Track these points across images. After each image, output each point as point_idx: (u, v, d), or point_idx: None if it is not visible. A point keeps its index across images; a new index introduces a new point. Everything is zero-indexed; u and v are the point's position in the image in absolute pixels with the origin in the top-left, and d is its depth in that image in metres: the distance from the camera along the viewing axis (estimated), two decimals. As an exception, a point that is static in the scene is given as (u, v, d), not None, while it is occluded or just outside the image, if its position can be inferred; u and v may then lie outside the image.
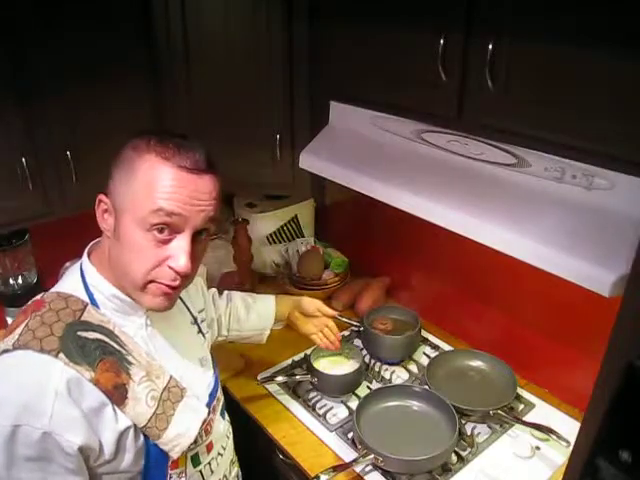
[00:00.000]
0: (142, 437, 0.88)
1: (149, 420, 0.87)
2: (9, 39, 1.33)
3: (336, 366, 1.60)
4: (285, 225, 2.12)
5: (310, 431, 1.45)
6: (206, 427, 0.98)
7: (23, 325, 0.83)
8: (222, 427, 1.10)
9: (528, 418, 1.45)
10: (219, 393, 1.10)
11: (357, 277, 2.05)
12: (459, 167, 1.19)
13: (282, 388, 1.59)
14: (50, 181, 1.50)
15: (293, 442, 1.42)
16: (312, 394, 1.57)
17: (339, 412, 1.51)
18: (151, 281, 0.86)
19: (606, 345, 0.79)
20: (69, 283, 0.91)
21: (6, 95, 1.36)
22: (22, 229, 1.66)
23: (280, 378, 1.57)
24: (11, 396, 0.78)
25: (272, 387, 1.58)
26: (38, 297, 0.89)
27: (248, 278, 1.93)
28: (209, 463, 1.03)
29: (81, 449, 0.80)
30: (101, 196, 0.88)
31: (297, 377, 1.59)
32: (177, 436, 0.91)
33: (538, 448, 1.36)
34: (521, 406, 1.50)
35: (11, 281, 1.74)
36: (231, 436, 1.18)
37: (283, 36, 1.50)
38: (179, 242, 0.84)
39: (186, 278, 0.88)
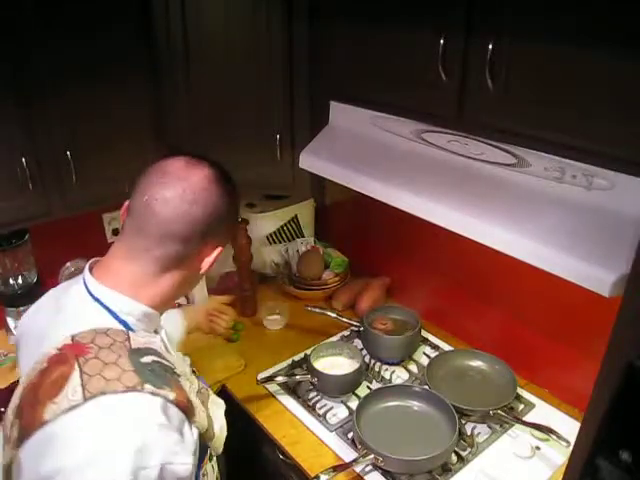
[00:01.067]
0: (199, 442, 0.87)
1: (208, 424, 0.89)
2: (9, 39, 1.33)
3: (336, 366, 1.60)
4: (285, 225, 2.12)
5: (310, 431, 1.45)
6: None
7: (76, 375, 0.75)
8: None
9: (528, 418, 1.45)
10: None
11: (357, 277, 2.05)
12: (459, 167, 1.19)
13: (282, 388, 1.59)
14: (50, 181, 1.50)
15: (293, 442, 1.42)
16: (312, 394, 1.57)
17: (339, 412, 1.51)
18: None
19: (606, 345, 0.79)
20: (89, 315, 0.84)
21: (6, 95, 1.36)
22: (22, 229, 1.66)
23: (280, 378, 1.57)
24: (117, 446, 0.72)
25: (272, 387, 1.59)
26: (68, 342, 0.80)
27: (248, 278, 1.93)
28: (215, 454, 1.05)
29: (192, 466, 0.78)
30: (221, 249, 0.91)
31: (297, 377, 1.59)
32: (220, 431, 0.95)
33: (538, 448, 1.36)
34: (521, 406, 1.50)
35: (11, 281, 1.74)
36: None
37: (283, 36, 1.50)
38: None
39: None
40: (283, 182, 1.71)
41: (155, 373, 0.79)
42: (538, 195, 1.05)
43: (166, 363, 0.84)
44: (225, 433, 0.97)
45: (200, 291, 1.96)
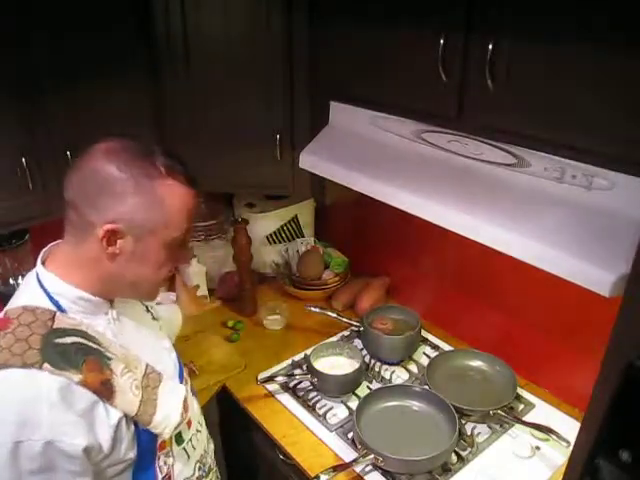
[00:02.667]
0: (133, 425, 0.91)
1: (138, 408, 0.91)
2: (9, 39, 1.33)
3: (336, 366, 1.60)
4: (285, 225, 2.12)
5: (310, 431, 1.45)
6: (185, 405, 1.02)
7: None
8: (195, 405, 1.14)
9: (528, 418, 1.45)
10: (185, 373, 1.14)
11: (357, 277, 2.05)
12: (459, 167, 1.19)
13: (282, 388, 1.59)
14: (50, 181, 1.50)
15: (293, 442, 1.42)
16: (312, 394, 1.57)
17: (339, 412, 1.51)
18: None
19: (606, 345, 0.79)
20: (29, 295, 0.91)
21: (6, 95, 1.36)
22: (22, 229, 1.66)
23: (280, 378, 1.58)
24: (5, 415, 0.79)
25: (272, 387, 1.59)
26: (1, 316, 0.88)
27: (248, 278, 1.93)
28: (190, 440, 1.07)
29: (85, 449, 0.83)
30: (112, 226, 0.86)
31: (297, 377, 1.59)
32: (165, 418, 0.95)
33: (538, 448, 1.36)
34: (521, 406, 1.50)
35: (11, 281, 1.74)
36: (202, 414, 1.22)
37: (283, 36, 1.50)
38: (187, 250, 1.01)
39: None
40: (283, 182, 1.71)
41: (65, 354, 0.84)
42: (538, 195, 1.05)
43: (91, 345, 0.88)
44: (172, 422, 0.97)
45: (200, 292, 1.96)
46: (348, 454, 1.36)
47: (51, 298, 0.89)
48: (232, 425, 1.66)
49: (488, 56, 1.02)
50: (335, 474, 1.24)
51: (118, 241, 0.87)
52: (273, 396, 1.57)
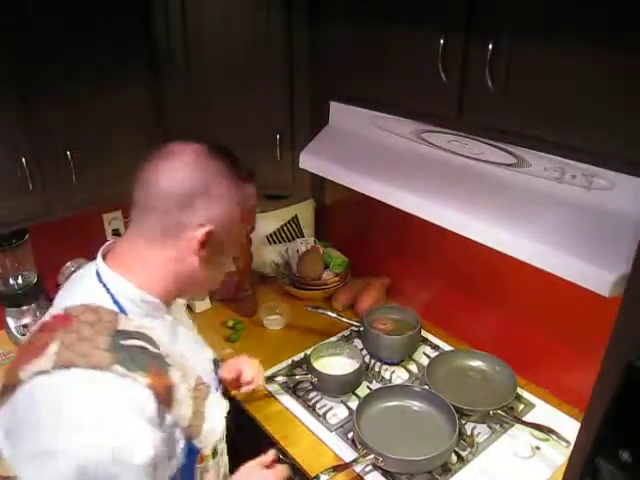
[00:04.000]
0: (182, 437, 0.88)
1: (191, 419, 0.88)
2: (9, 39, 1.33)
3: (336, 366, 1.60)
4: (285, 225, 2.12)
5: (310, 431, 1.45)
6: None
7: (57, 343, 0.79)
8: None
9: (528, 418, 1.45)
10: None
11: (357, 277, 2.05)
12: (459, 167, 1.19)
13: (282, 388, 1.59)
14: (50, 181, 1.50)
15: (293, 442, 1.42)
16: (312, 394, 1.57)
17: (339, 412, 1.51)
18: None
19: (606, 345, 0.79)
20: (89, 292, 0.87)
21: (6, 95, 1.36)
22: (22, 229, 1.66)
23: (280, 378, 1.58)
24: (81, 417, 0.74)
25: (272, 387, 1.58)
26: (60, 312, 0.84)
27: (248, 278, 1.93)
28: (221, 452, 1.05)
29: (152, 456, 0.79)
30: (210, 228, 0.87)
31: (297, 377, 1.59)
32: (210, 431, 0.93)
33: (538, 448, 1.36)
34: (521, 406, 1.50)
35: (11, 281, 1.74)
36: None
37: (283, 36, 1.50)
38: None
39: None
40: (283, 182, 1.71)
41: (133, 357, 0.81)
42: (538, 195, 1.05)
43: (154, 350, 0.85)
44: (216, 435, 0.96)
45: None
46: (348, 454, 1.36)
47: (113, 298, 0.86)
48: (232, 425, 1.66)
49: (488, 56, 1.02)
50: (335, 474, 1.24)
51: (210, 243, 0.88)
52: (273, 396, 1.57)
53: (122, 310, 0.86)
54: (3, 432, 0.78)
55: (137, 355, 0.82)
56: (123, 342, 0.82)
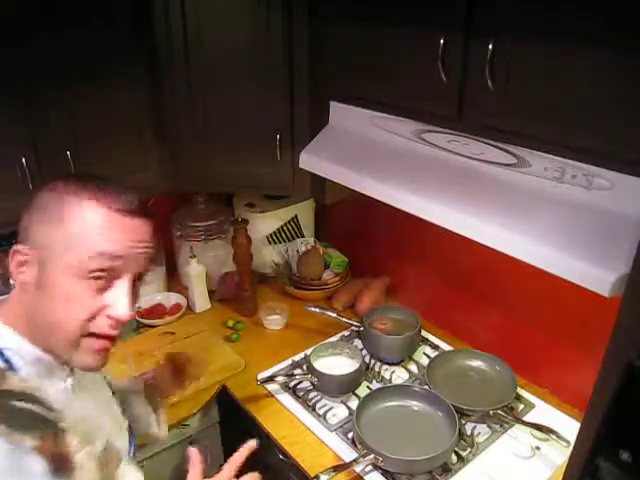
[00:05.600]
0: None
1: None
2: (9, 39, 1.33)
3: (336, 366, 1.60)
4: (285, 225, 2.12)
5: (310, 431, 1.45)
6: None
7: None
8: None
9: (528, 418, 1.45)
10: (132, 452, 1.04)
11: (357, 277, 2.05)
12: (459, 167, 1.19)
13: (282, 388, 1.59)
14: (50, 181, 1.50)
15: (293, 442, 1.42)
16: (312, 394, 1.57)
17: (339, 412, 1.51)
18: (86, 335, 0.79)
19: (606, 345, 0.79)
20: None
21: (6, 95, 1.36)
22: (22, 229, 1.66)
23: (280, 378, 1.58)
24: None
25: (272, 387, 1.58)
26: None
27: (248, 278, 1.93)
28: None
29: None
30: (17, 247, 0.79)
31: (297, 377, 1.59)
32: None
33: (538, 448, 1.36)
34: (521, 406, 1.50)
35: (11, 281, 1.73)
36: None
37: (283, 36, 1.50)
38: (119, 289, 0.79)
39: (123, 327, 0.82)
40: (283, 182, 1.71)
41: (18, 419, 0.73)
42: (538, 195, 1.05)
43: (42, 413, 0.76)
44: None
45: (200, 295, 1.96)
46: (348, 454, 1.36)
47: (1, 354, 0.78)
48: (232, 425, 1.66)
49: (488, 56, 1.02)
50: (335, 474, 1.24)
51: (23, 267, 0.79)
52: (273, 396, 1.57)
53: (12, 367, 0.78)
54: None
55: (23, 418, 0.74)
56: (9, 403, 0.74)
